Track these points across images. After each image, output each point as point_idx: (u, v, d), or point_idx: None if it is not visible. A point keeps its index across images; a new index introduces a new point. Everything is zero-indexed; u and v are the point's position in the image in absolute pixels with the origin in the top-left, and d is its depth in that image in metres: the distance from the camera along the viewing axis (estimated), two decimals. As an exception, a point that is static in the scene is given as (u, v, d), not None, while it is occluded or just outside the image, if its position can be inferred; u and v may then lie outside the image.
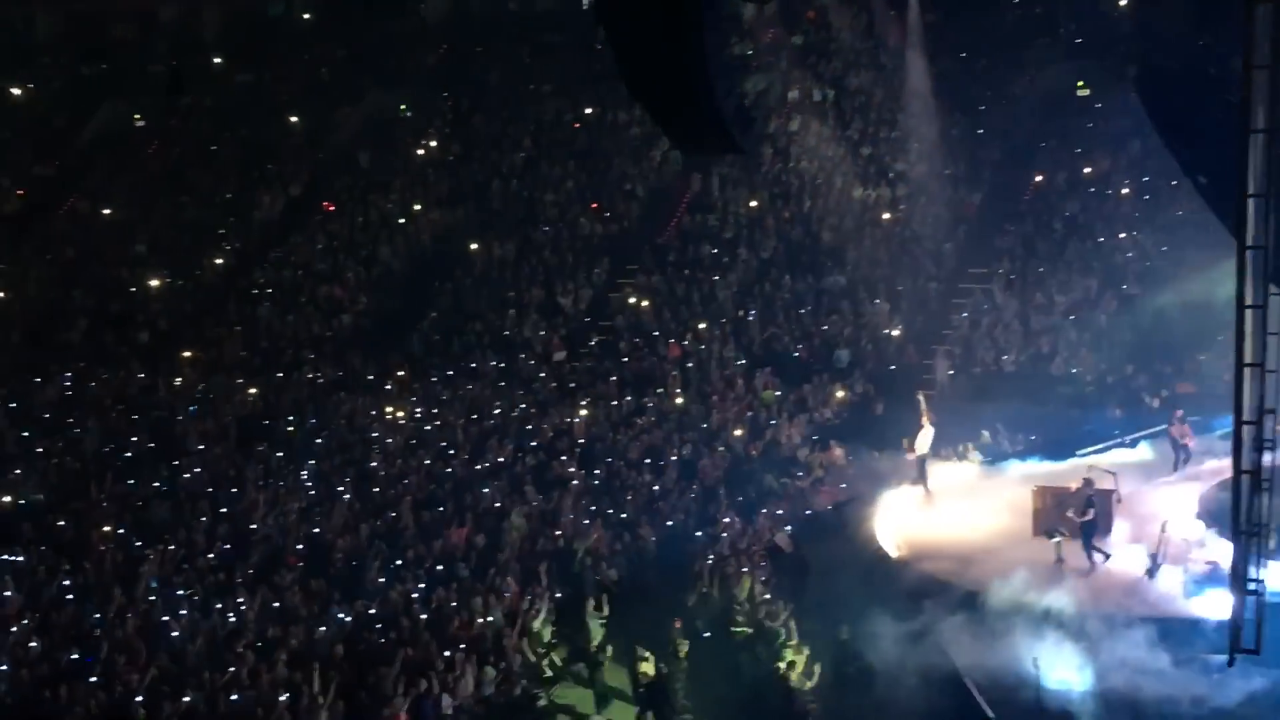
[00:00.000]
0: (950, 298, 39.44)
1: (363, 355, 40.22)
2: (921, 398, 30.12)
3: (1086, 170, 41.86)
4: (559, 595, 25.00)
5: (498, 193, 47.02)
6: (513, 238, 44.76)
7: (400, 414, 35.95)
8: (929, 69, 43.77)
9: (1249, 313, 13.18)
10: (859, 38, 48.02)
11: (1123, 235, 39.61)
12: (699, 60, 14.56)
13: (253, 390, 38.06)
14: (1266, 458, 13.88)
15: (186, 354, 40.86)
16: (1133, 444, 31.19)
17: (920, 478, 29.49)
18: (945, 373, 36.79)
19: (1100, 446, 30.96)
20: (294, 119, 52.23)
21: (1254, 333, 13.26)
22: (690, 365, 37.72)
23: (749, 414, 34.57)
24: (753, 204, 44.10)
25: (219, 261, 46.23)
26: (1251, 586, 13.64)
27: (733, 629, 23.50)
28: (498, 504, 29.30)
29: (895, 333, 38.45)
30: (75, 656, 21.49)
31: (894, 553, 26.20)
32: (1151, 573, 23.76)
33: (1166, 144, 28.67)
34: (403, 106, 52.12)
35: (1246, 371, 13.29)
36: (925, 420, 29.46)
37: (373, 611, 23.86)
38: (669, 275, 42.02)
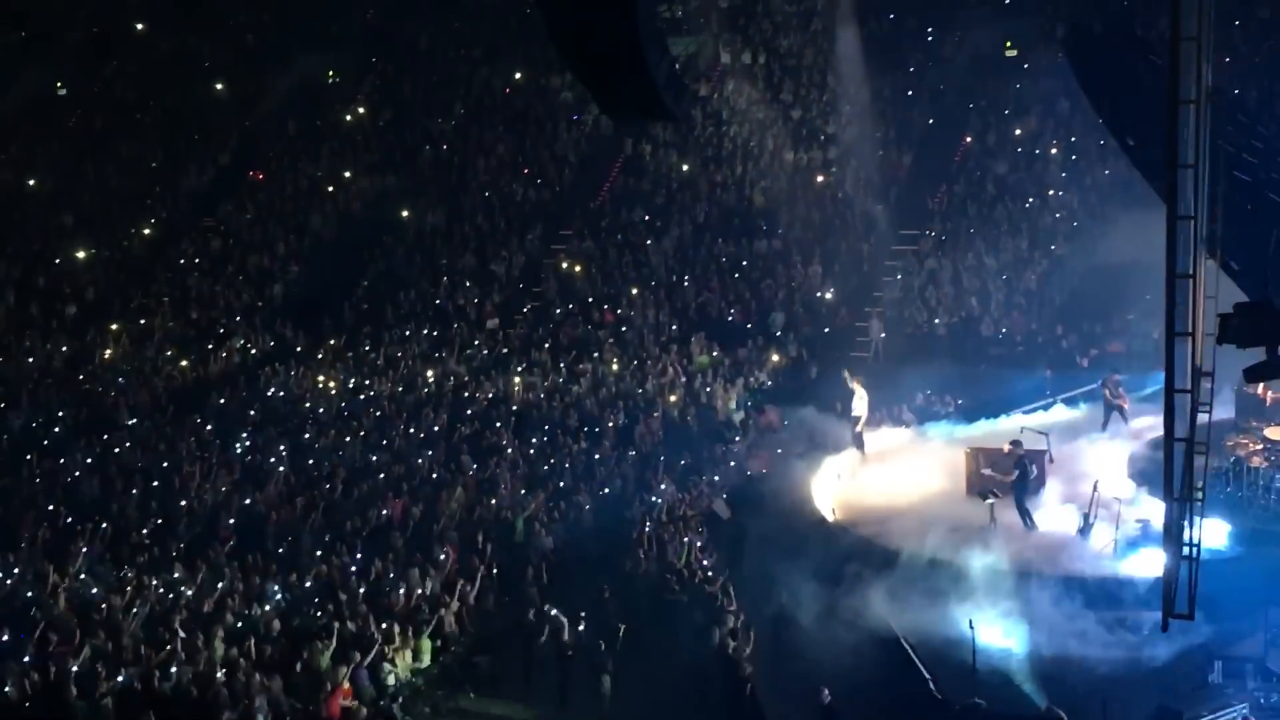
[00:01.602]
0: (882, 260, 39.56)
1: (294, 325, 39.86)
2: (846, 372, 30.36)
3: (1016, 131, 42.03)
4: (496, 565, 24.91)
5: (428, 159, 46.69)
6: (444, 204, 44.47)
7: (333, 384, 35.68)
8: (859, 31, 43.83)
9: (1179, 282, 13.24)
10: (788, 0, 48.00)
11: (1051, 194, 39.83)
12: (630, 25, 14.42)
13: (183, 362, 37.63)
14: (1202, 418, 13.99)
15: (114, 326, 40.30)
16: (1066, 403, 31.49)
17: (856, 441, 29.67)
18: (878, 335, 36.98)
19: (1031, 407, 31.24)
20: (220, 86, 51.54)
21: (1183, 301, 13.34)
22: (625, 331, 37.66)
23: (684, 379, 34.57)
24: (685, 168, 44.03)
25: (146, 232, 45.60)
26: (1186, 551, 13.75)
27: (669, 596, 23.49)
28: (434, 474, 29.14)
29: (828, 295, 38.55)
30: (6, 637, 21.17)
31: (830, 517, 26.36)
32: (1084, 532, 24.06)
33: (1094, 105, 28.96)
34: (330, 72, 51.55)
35: (1177, 340, 13.36)
36: (855, 385, 29.69)
37: (309, 585, 23.68)
38: (602, 241, 41.91)
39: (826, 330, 37.59)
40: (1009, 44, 44.38)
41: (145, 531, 26.25)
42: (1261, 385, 26.11)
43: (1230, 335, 13.80)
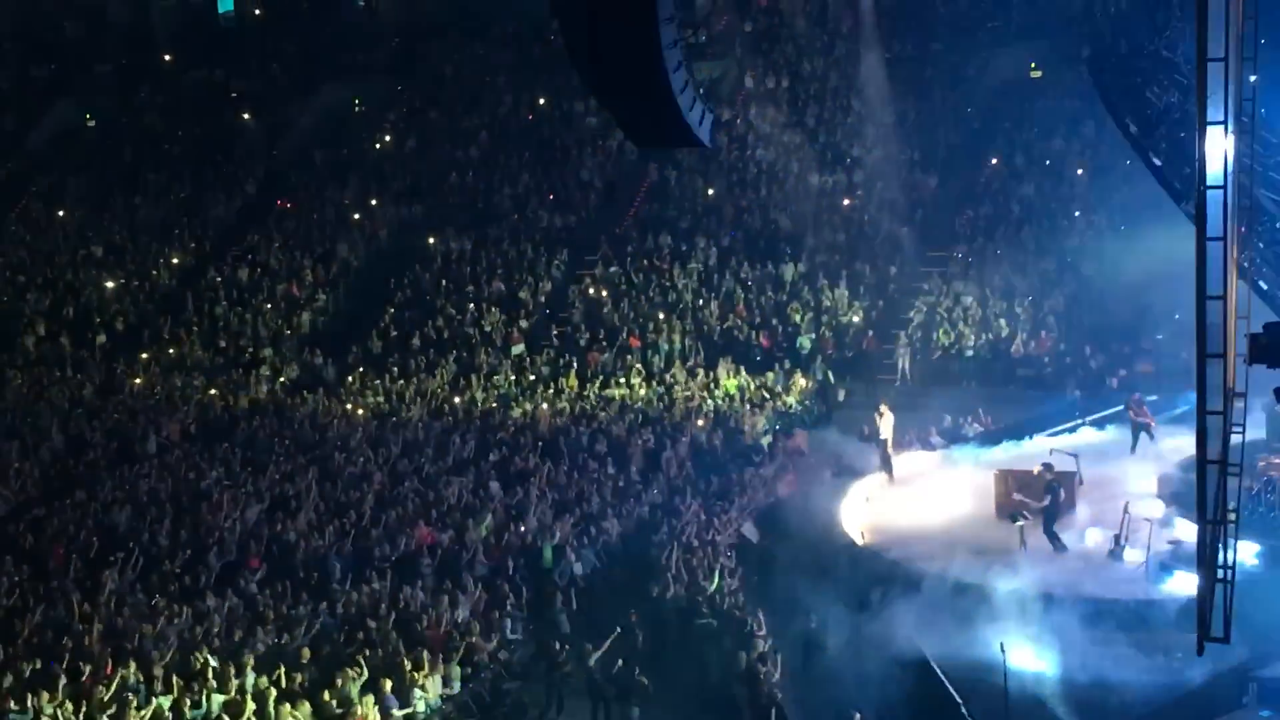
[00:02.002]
0: (909, 282, 39.51)
1: (322, 353, 40.00)
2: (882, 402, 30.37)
3: (1042, 153, 41.92)
4: (526, 591, 24.87)
5: (454, 186, 46.86)
6: (470, 231, 44.61)
7: (361, 411, 35.74)
8: (883, 54, 43.89)
9: (1209, 303, 13.16)
10: (812, 23, 48.08)
11: (1078, 215, 39.75)
12: (655, 51, 14.44)
13: (213, 391, 37.78)
14: (1235, 439, 13.91)
15: (144, 355, 40.50)
16: (1095, 425, 31.36)
17: (884, 464, 29.62)
18: (905, 358, 36.90)
19: (1061, 428, 31.13)
20: (247, 116, 51.85)
21: (1215, 322, 13.26)
22: (651, 356, 37.65)
23: (711, 404, 34.52)
24: (710, 192, 44.08)
25: (175, 261, 45.86)
26: (1220, 574, 13.62)
27: (698, 621, 23.40)
28: (463, 501, 29.12)
29: (855, 319, 38.49)
30: (39, 666, 21.20)
31: (859, 540, 26.25)
32: (1115, 554, 23.93)
33: (1119, 125, 28.86)
34: (356, 100, 51.83)
35: (1209, 362, 13.28)
36: (883, 408, 29.72)
37: (339, 612, 23.67)
38: (628, 266, 41.96)
39: (852, 354, 37.53)
40: (1033, 65, 44.46)
41: (176, 560, 26.26)
42: (1294, 405, 25.90)
43: (1260, 355, 13.69)
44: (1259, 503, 23.27)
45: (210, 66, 53.93)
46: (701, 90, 17.11)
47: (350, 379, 38.37)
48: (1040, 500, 24.97)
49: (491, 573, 25.39)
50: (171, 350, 40.97)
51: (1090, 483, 26.85)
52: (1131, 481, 27.06)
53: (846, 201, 42.59)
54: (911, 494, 28.63)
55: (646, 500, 29.36)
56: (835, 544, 25.85)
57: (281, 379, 38.84)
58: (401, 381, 37.84)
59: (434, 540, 27.00)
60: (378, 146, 49.78)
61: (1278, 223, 22.76)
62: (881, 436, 29.77)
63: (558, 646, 22.51)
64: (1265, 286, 21.80)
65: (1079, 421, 31.56)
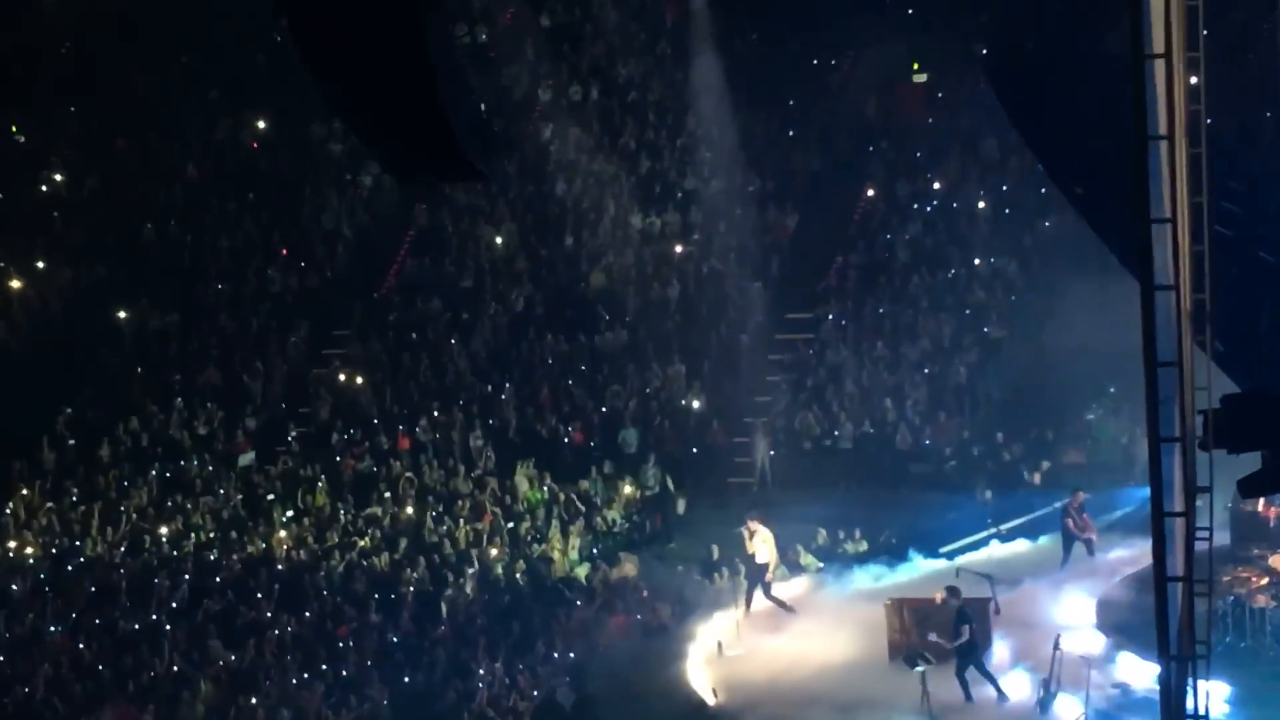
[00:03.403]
0: (765, 354, 39.87)
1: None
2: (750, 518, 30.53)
3: (932, 182, 42.68)
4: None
5: (152, 240, 46.17)
6: (175, 301, 43.96)
7: (30, 549, 34.97)
8: (720, 56, 44.31)
9: (1161, 372, 13.40)
10: (627, 15, 48.41)
11: (979, 263, 40.49)
12: (418, 55, 14.38)
13: None
14: (1200, 546, 14.13)
15: None
16: (1013, 535, 31.87)
17: (766, 596, 29.70)
18: (764, 454, 37.18)
19: (968, 542, 31.58)
20: None
21: (1168, 397, 13.50)
22: (425, 462, 37.43)
23: (508, 524, 34.41)
24: (498, 241, 44.08)
25: None
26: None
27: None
28: (173, 667, 28.61)
29: (696, 404, 38.71)
30: None
31: (711, 700, 26.25)
32: (1044, 705, 24.24)
33: (1028, 143, 29.57)
34: (14, 129, 50.95)
35: (1163, 448, 13.51)
36: (752, 524, 29.85)
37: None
38: (390, 342, 41.73)
39: (695, 450, 37.71)
40: (916, 66, 45.19)
41: None
42: (1262, 501, 26.69)
43: (1223, 438, 13.98)
44: (1225, 629, 23.80)
45: None
46: (484, 106, 17.14)
47: (11, 506, 37.42)
48: (951, 638, 25.20)
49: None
50: None
51: (1009, 612, 27.22)
52: (1063, 608, 27.50)
53: (679, 249, 42.89)
54: (778, 635, 28.74)
55: (424, 659, 29.08)
56: (678, 707, 25.80)
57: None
58: (84, 507, 37.02)
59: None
60: (44, 189, 48.91)
61: (1232, 266, 23.42)
62: (760, 561, 29.79)
63: None
64: (1221, 348, 22.35)
65: (991, 532, 32.05)
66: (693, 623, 29.06)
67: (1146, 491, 30.83)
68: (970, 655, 25.10)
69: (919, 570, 30.51)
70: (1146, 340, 13.30)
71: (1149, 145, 13.32)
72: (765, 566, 29.92)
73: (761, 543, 29.92)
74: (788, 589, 31.03)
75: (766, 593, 29.94)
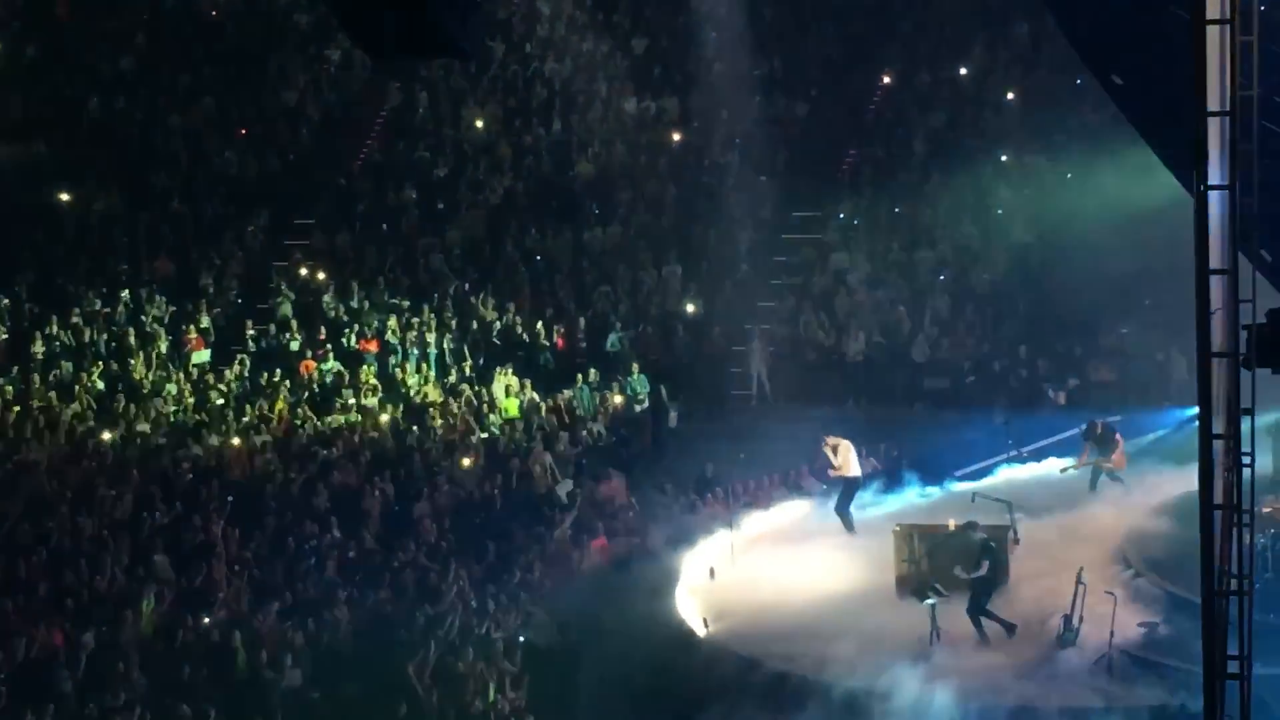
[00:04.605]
0: (769, 256, 39.87)
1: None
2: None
3: (956, 68, 42.56)
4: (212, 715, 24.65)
5: (97, 115, 46.03)
6: (122, 183, 43.87)
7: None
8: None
9: (1214, 280, 13.32)
10: None
11: (1007, 159, 40.41)
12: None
13: None
14: (1245, 473, 14.08)
15: None
16: (1034, 458, 31.92)
17: (843, 512, 29.67)
18: (763, 365, 37.22)
19: (987, 464, 31.64)
20: None
21: (1217, 308, 13.39)
22: (395, 366, 37.46)
23: (483, 434, 34.48)
24: (478, 124, 43.99)
25: None
26: (1233, 668, 13.75)
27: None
28: (113, 584, 28.70)
29: (691, 309, 38.73)
30: None
31: (701, 631, 26.39)
32: (1066, 641, 24.31)
33: (1063, 29, 29.46)
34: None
35: (1215, 364, 13.42)
36: (831, 441, 29.82)
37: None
38: (358, 233, 41.69)
39: (690, 359, 37.73)
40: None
41: None
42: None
43: (1268, 355, 13.89)
44: (1264, 566, 23.85)
45: None
46: (465, -25, 17.04)
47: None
48: (966, 571, 25.25)
49: (156, 689, 25.03)
50: None
51: (1029, 542, 27.32)
52: (1087, 539, 27.56)
53: (677, 137, 42.84)
54: (774, 562, 28.82)
55: (389, 578, 29.21)
56: (666, 638, 25.94)
57: None
58: (19, 408, 37.04)
59: (71, 642, 26.56)
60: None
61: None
62: (850, 474, 29.82)
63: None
64: (1269, 257, 22.30)
65: (1012, 453, 32.11)
66: (683, 546, 29.09)
67: (1181, 413, 31.11)
68: (987, 590, 25.18)
69: (932, 495, 30.57)
70: (1200, 243, 13.17)
71: (1204, 29, 13.17)
72: (857, 479, 29.99)
73: (843, 456, 29.99)
74: (789, 512, 31.16)
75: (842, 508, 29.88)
